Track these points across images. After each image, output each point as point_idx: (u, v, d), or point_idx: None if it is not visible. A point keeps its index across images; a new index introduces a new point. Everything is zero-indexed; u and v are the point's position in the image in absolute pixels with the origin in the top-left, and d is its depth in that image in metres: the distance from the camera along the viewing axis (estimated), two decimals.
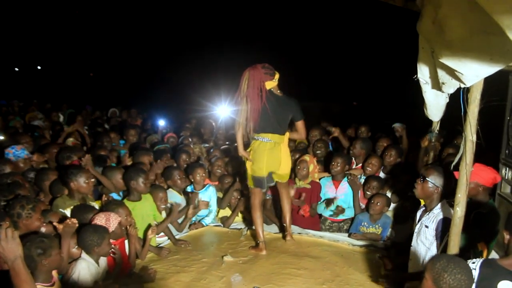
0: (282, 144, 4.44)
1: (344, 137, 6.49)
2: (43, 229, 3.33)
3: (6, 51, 21.07)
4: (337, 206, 5.12)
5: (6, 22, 19.45)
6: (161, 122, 8.58)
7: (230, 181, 5.49)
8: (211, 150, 6.40)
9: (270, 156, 4.35)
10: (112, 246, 3.56)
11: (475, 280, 2.43)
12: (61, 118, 9.29)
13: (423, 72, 3.62)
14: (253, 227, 4.63)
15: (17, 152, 4.65)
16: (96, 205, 4.24)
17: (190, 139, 6.77)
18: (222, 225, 5.26)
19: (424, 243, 3.47)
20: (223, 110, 6.51)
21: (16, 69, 25.08)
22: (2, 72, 22.21)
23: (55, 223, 3.32)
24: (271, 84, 4.30)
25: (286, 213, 4.71)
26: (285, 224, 4.73)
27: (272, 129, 4.34)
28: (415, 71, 3.69)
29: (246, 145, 4.53)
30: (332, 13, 15.26)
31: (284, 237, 4.73)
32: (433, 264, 2.34)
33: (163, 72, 19.24)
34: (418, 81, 3.72)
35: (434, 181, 3.48)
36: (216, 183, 5.60)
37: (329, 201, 5.16)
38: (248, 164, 4.49)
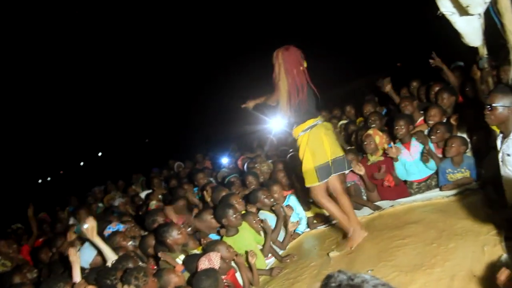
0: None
1: (394, 93, 6.24)
2: (176, 279, 3.61)
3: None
4: (423, 152, 4.91)
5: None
6: (224, 160, 8.74)
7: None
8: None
9: (329, 138, 4.13)
10: (225, 280, 3.72)
11: None
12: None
13: (444, 5, 3.56)
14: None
15: (114, 229, 4.92)
16: (198, 251, 4.40)
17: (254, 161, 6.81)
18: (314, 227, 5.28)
19: None
20: (273, 123, 6.57)
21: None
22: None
23: None
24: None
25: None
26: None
27: (317, 111, 4.25)
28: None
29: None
30: None
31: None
32: None
33: (197, 106, 19.30)
34: (443, 16, 3.65)
35: (502, 103, 3.23)
36: (291, 191, 5.51)
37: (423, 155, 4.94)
38: (306, 160, 4.13)
